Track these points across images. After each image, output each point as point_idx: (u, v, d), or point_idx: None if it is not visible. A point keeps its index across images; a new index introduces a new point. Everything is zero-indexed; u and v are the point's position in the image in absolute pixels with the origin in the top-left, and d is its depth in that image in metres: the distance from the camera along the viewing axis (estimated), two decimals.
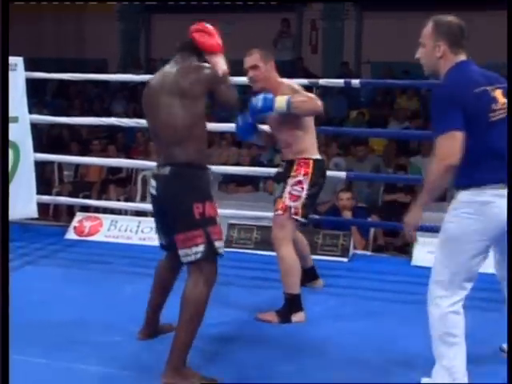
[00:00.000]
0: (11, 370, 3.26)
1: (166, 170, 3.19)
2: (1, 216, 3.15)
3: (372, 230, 6.51)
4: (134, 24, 13.66)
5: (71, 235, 5.71)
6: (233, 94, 3.37)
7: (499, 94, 2.96)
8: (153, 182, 3.28)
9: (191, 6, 12.19)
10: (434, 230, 5.36)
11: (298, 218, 3.98)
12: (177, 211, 3.18)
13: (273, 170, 6.26)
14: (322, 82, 5.19)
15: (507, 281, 3.17)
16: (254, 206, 6.54)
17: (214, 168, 6.76)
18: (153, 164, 6.84)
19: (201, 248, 3.15)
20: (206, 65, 3.32)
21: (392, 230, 7.16)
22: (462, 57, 2.99)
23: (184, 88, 3.15)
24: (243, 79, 4.36)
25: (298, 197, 3.96)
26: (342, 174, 5.44)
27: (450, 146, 2.85)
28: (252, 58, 4.01)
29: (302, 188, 3.97)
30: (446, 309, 3.00)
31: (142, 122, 5.83)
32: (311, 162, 4.01)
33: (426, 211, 6.55)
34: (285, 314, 3.94)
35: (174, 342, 3.16)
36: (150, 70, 11.96)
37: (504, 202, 2.92)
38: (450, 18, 3.01)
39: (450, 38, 2.96)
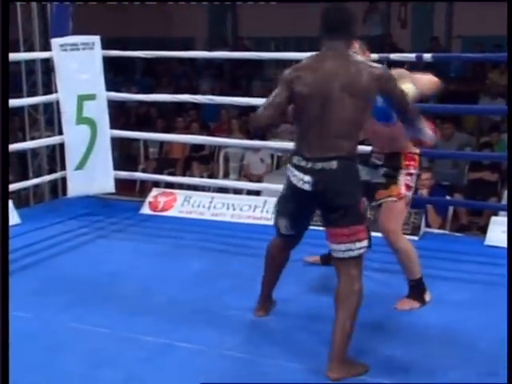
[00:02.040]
0: (75, 338, 3.44)
1: (333, 164, 3.09)
2: (1, 211, 3.23)
3: (451, 209, 6.34)
4: (222, 2, 13.72)
5: (146, 210, 5.81)
6: (407, 101, 3.27)
7: None
8: (305, 177, 3.14)
9: None
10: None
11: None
12: (345, 205, 3.12)
13: None
14: (394, 56, 5.07)
15: (507, 280, 3.02)
16: None
17: None
18: (234, 141, 7.08)
19: (364, 243, 3.15)
20: (378, 65, 3.25)
21: (476, 210, 6.96)
22: None
23: (361, 88, 3.07)
24: None
25: (411, 187, 3.92)
26: None
27: None
28: None
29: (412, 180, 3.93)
30: None
31: (217, 100, 5.91)
32: (417, 156, 3.95)
33: (506, 189, 6.41)
34: (420, 298, 3.88)
35: (336, 338, 3.10)
36: (237, 48, 12.07)
37: None
38: None
39: None
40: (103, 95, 5.63)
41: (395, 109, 3.28)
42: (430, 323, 3.63)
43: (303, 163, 3.16)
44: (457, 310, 3.80)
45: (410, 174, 3.90)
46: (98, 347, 3.37)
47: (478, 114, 8.90)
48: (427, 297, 3.88)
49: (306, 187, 3.14)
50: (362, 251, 3.16)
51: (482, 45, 10.70)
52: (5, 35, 3.59)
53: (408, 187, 3.88)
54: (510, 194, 2.79)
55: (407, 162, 3.90)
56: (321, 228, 3.29)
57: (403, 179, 3.87)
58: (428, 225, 5.42)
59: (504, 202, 6.22)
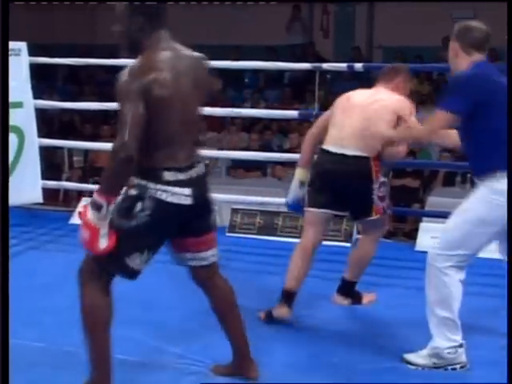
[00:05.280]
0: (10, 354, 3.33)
1: (202, 168, 2.90)
2: (1, 206, 3.17)
3: None
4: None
5: (76, 220, 5.70)
6: None
7: None
8: (185, 191, 2.80)
9: None
10: (438, 215, 5.37)
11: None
12: (212, 211, 3.00)
13: (282, 156, 6.30)
14: (326, 66, 5.18)
15: (507, 279, 3.16)
16: (262, 191, 6.52)
17: (223, 153, 6.83)
18: None
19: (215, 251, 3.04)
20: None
21: (400, 216, 7.14)
22: None
23: (205, 84, 2.89)
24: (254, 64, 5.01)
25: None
26: None
27: None
28: None
29: None
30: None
31: None
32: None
33: (432, 196, 6.62)
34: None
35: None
36: None
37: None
38: None
39: None
40: (31, 103, 5.51)
41: None
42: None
43: (181, 176, 2.80)
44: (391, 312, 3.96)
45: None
46: (35, 362, 3.28)
47: None
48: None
49: (188, 201, 2.81)
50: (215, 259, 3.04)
51: (402, 54, 10.99)
52: (5, 36, 3.52)
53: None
54: (509, 201, 2.88)
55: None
56: None
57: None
58: (358, 231, 5.52)
59: (428, 208, 6.40)
